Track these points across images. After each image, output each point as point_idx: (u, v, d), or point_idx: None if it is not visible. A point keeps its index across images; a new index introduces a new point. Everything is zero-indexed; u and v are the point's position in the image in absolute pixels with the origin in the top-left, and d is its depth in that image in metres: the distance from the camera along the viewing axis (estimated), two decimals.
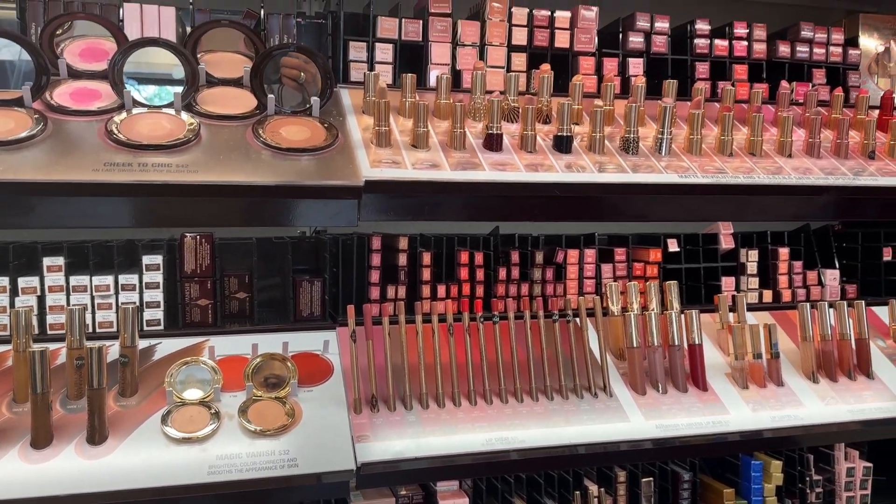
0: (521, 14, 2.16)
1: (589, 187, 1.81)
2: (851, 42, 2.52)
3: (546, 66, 2.04)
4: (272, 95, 1.76)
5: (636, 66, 2.25)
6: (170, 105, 1.71)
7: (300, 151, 1.66)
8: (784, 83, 2.23)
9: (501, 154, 1.85)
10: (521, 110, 1.89)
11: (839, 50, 2.45)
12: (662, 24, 2.27)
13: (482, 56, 2.13)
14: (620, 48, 2.27)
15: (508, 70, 2.14)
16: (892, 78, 2.54)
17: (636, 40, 2.25)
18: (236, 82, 1.86)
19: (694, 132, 1.96)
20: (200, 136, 1.66)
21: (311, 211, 1.61)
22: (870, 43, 2.55)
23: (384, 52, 2.08)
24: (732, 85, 2.28)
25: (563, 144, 1.89)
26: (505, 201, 1.79)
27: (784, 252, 2.49)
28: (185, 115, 1.69)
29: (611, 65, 2.23)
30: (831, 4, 2.83)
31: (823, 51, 2.43)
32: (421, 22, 2.09)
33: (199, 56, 1.88)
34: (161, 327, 2.00)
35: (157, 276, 1.99)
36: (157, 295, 2.00)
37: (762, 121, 2.01)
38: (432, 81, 2.06)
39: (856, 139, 2.15)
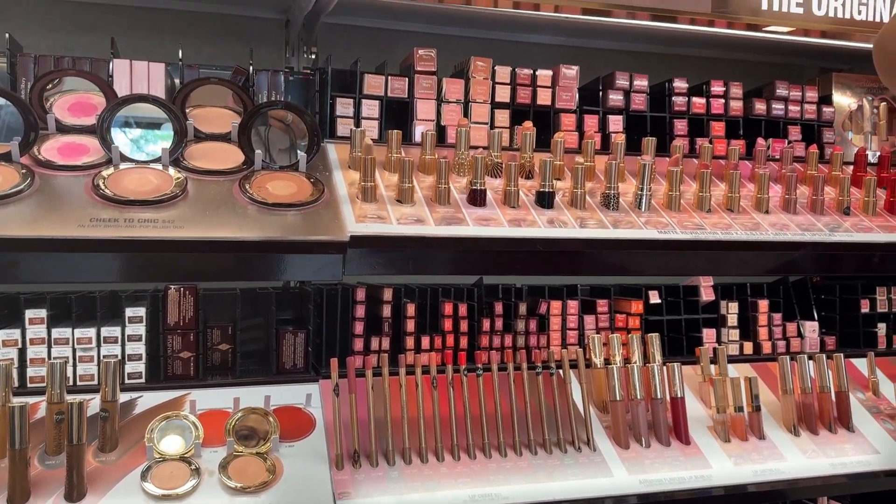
0: (504, 72, 2.21)
1: (570, 242, 1.83)
2: (825, 100, 2.60)
3: (528, 124, 2.09)
4: (259, 151, 1.79)
5: (616, 122, 2.31)
6: (157, 160, 1.73)
7: (286, 206, 1.68)
8: (760, 140, 2.29)
9: (485, 209, 1.88)
10: (504, 166, 1.93)
11: (813, 107, 2.52)
12: (641, 83, 2.34)
13: (466, 112, 2.18)
14: (601, 105, 2.33)
15: (492, 126, 2.19)
16: (865, 134, 2.61)
17: (616, 98, 2.31)
18: (224, 137, 1.89)
19: (673, 189, 2.01)
20: (187, 191, 1.67)
21: (295, 265, 1.63)
22: (843, 100, 2.63)
23: (370, 108, 2.12)
24: (710, 142, 2.34)
25: (545, 200, 1.92)
26: (488, 256, 1.81)
27: (763, 304, 2.52)
28: (172, 171, 1.71)
29: (591, 121, 2.28)
30: (805, 63, 2.93)
31: (798, 108, 2.50)
32: (407, 79, 2.14)
33: (187, 111, 1.91)
34: (143, 380, 1.99)
35: (140, 329, 1.99)
36: (140, 347, 1.99)
37: (739, 178, 2.06)
38: (418, 137, 2.10)
39: (831, 195, 2.20)
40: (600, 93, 2.33)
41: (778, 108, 2.48)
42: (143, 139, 1.78)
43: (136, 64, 1.91)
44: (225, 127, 1.89)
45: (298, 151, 1.84)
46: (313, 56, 2.39)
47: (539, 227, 1.84)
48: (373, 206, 1.78)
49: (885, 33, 1.02)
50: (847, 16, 2.12)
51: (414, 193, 1.84)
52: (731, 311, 2.50)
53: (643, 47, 2.65)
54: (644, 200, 1.98)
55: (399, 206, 1.81)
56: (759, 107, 2.46)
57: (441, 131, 2.17)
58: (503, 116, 2.22)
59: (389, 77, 2.13)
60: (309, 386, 2.02)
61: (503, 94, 2.21)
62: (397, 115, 2.17)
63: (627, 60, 2.63)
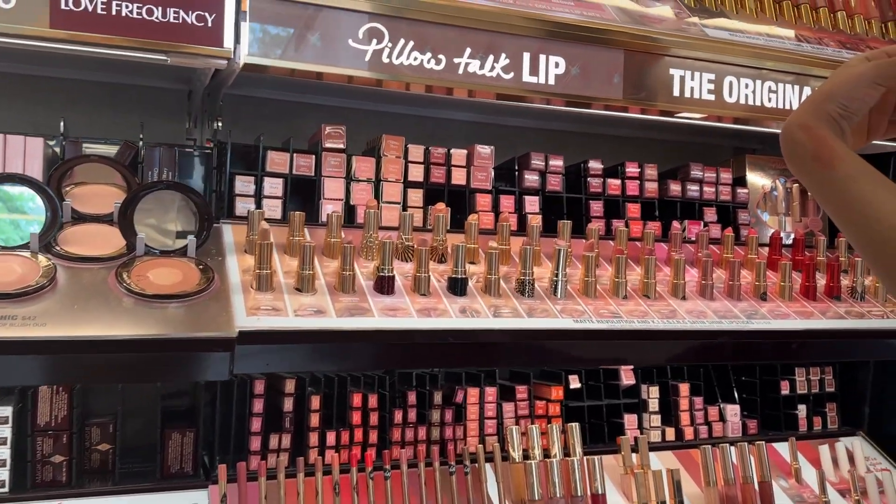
0: (417, 151, 2.13)
1: (483, 334, 1.73)
2: (739, 181, 2.61)
3: (441, 206, 2.00)
4: (142, 235, 1.63)
5: (532, 203, 2.25)
6: (25, 246, 1.56)
7: (168, 298, 1.52)
8: (675, 224, 2.27)
9: (393, 297, 1.76)
10: (415, 250, 1.82)
11: (728, 189, 2.53)
12: (557, 163, 2.29)
13: (377, 192, 2.08)
14: (516, 185, 2.27)
15: (404, 207, 2.09)
16: (780, 216, 2.63)
17: (532, 178, 2.26)
18: (107, 219, 1.73)
19: (588, 274, 1.94)
20: (56, 281, 1.50)
21: (174, 366, 1.47)
22: (757, 181, 2.65)
23: (273, 187, 1.99)
24: (626, 225, 2.30)
25: (457, 287, 1.82)
26: (395, 349, 1.68)
27: (685, 388, 2.46)
28: (41, 258, 1.54)
29: (507, 202, 2.22)
30: (719, 143, 2.97)
31: (713, 189, 2.50)
32: (314, 156, 2.03)
33: (67, 189, 1.75)
34: (6, 489, 1.76)
35: (6, 431, 1.76)
36: (4, 452, 1.76)
37: (655, 263, 2.01)
38: (324, 217, 1.98)
39: (748, 279, 2.17)
40: (516, 172, 2.27)
41: (693, 189, 2.47)
42: (12, 223, 1.60)
43: (10, 138, 1.74)
44: (108, 207, 1.74)
45: (189, 235, 1.69)
46: (217, 128, 2.26)
47: (450, 316, 1.73)
48: (268, 295, 1.64)
49: (791, 123, 0.98)
50: (758, 103, 2.13)
51: (315, 281, 1.71)
52: (653, 395, 2.42)
53: (558, 125, 2.63)
54: (560, 287, 1.90)
55: (298, 295, 1.67)
56: (675, 188, 2.45)
57: (350, 211, 2.06)
58: (416, 196, 2.13)
59: (295, 154, 2.02)
60: (197, 494, 1.82)
61: (416, 174, 2.13)
62: (303, 193, 2.05)
63: (543, 139, 2.59)
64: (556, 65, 1.93)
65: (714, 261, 2.18)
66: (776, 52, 2.19)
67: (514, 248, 2.04)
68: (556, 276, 1.91)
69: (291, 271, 1.74)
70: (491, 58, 1.87)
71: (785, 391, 2.59)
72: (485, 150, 2.21)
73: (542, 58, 1.91)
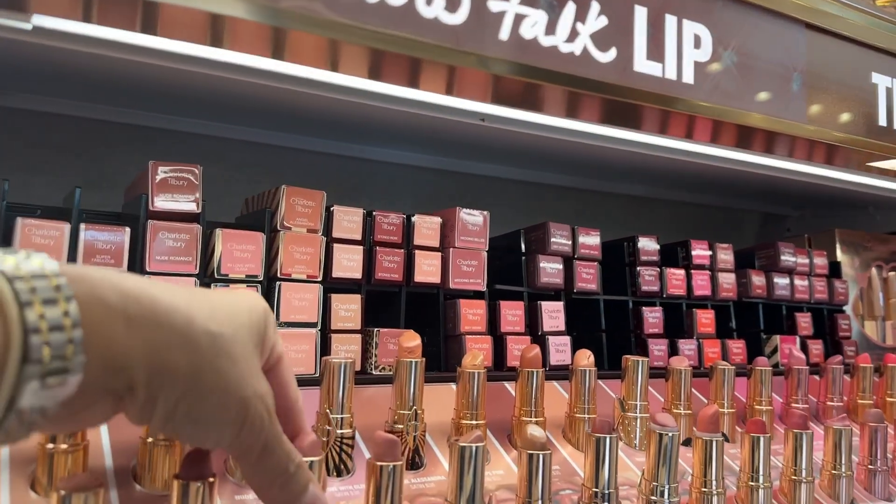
0: (349, 216, 1.07)
1: None
2: (834, 269, 1.72)
3: (409, 337, 0.94)
4: None
5: (553, 313, 1.23)
6: None
7: None
8: (837, 357, 1.31)
9: None
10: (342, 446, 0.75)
11: (823, 283, 1.62)
12: (590, 240, 1.30)
13: (270, 300, 0.99)
14: (526, 280, 1.24)
15: (325, 342, 1.02)
16: (877, 320, 1.76)
17: (551, 268, 1.24)
18: None
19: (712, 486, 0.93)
20: None
21: None
22: (847, 269, 1.77)
23: None
24: (699, 348, 1.33)
25: None
26: None
27: None
28: None
29: (512, 310, 1.19)
30: (740, 205, 2.10)
31: (806, 283, 1.59)
32: (126, 230, 0.93)
33: None
34: None
35: None
36: None
37: (809, 441, 1.04)
38: None
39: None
40: (523, 258, 1.26)
41: (782, 283, 1.55)
42: None
43: None
44: None
45: None
46: None
47: None
48: None
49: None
50: None
51: None
52: None
53: (519, 173, 1.65)
54: None
55: None
56: (757, 282, 1.52)
57: None
58: (348, 310, 1.06)
59: (86, 224, 0.90)
60: None
61: (348, 261, 1.06)
62: None
63: (500, 195, 1.61)
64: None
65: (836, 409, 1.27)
66: None
67: (554, 416, 1.01)
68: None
69: None
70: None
71: None
72: (472, 216, 1.18)
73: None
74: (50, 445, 0.73)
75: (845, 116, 1.13)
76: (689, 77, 0.94)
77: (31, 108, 1.26)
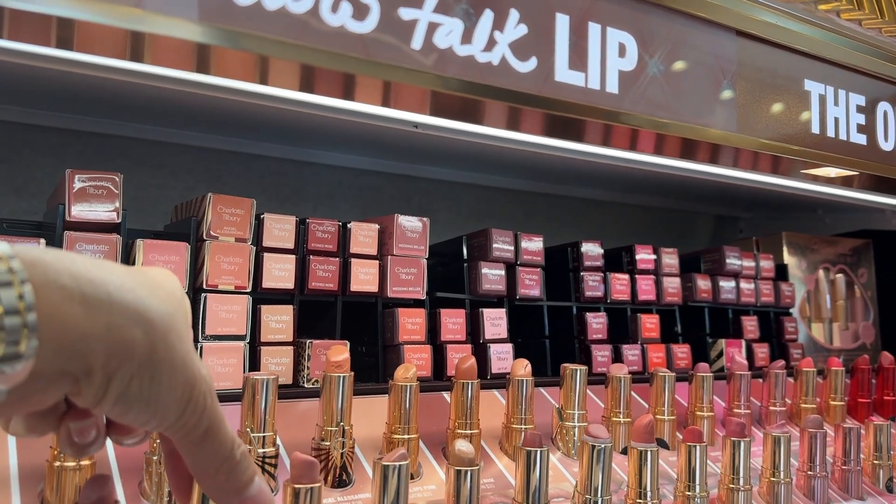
0: (281, 224, 1.04)
1: None
2: (780, 272, 1.73)
3: (338, 351, 0.92)
4: None
5: (495, 320, 1.21)
6: None
7: None
8: (778, 362, 1.32)
9: None
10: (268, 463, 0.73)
11: (769, 286, 1.63)
12: (532, 245, 1.28)
13: (197, 318, 0.96)
14: (468, 288, 1.22)
15: (254, 358, 0.99)
16: (824, 322, 1.77)
17: (493, 274, 1.22)
18: None
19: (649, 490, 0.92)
20: None
21: None
22: (796, 271, 1.79)
23: None
24: (642, 353, 1.33)
25: None
26: None
27: None
28: None
29: (452, 319, 1.17)
30: (694, 207, 2.11)
31: (752, 286, 1.60)
32: (40, 243, 0.89)
33: None
34: None
35: None
36: None
37: (746, 449, 1.04)
38: None
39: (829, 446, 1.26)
40: (465, 265, 1.24)
41: (728, 287, 1.55)
42: None
43: None
44: None
45: None
46: None
47: None
48: None
49: None
50: None
51: None
52: None
53: (457, 175, 1.64)
54: None
55: None
56: (703, 285, 1.52)
57: None
58: (279, 322, 1.03)
59: None
60: None
61: (279, 271, 1.03)
62: None
63: (446, 196, 1.59)
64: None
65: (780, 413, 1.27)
66: None
67: (488, 425, 1.00)
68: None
69: None
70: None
71: None
72: (411, 223, 1.16)
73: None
74: (57, 463, 0.72)
75: (777, 124, 1.13)
76: (613, 86, 0.93)
77: None
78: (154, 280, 0.52)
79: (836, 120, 1.21)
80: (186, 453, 0.53)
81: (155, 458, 0.77)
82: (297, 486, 0.72)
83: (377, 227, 1.15)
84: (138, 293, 0.48)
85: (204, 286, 0.98)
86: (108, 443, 0.78)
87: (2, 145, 1.28)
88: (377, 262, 1.14)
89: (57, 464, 0.74)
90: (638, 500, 0.95)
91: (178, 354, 0.49)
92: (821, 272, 1.79)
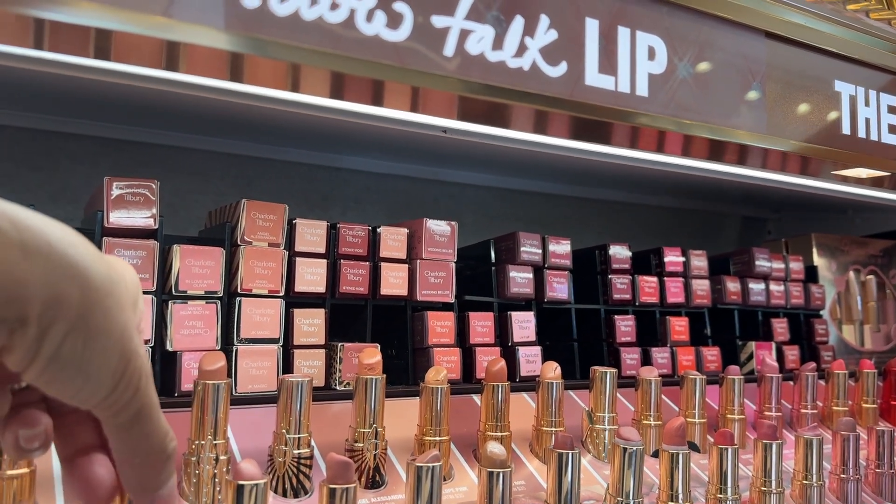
0: (313, 229, 1.06)
1: None
2: (810, 273, 1.71)
3: (371, 353, 0.93)
4: None
5: (523, 323, 1.22)
6: None
7: None
8: (810, 364, 1.31)
9: None
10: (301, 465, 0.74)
11: (799, 288, 1.62)
12: (559, 248, 1.29)
13: (229, 322, 0.98)
14: (496, 291, 1.23)
15: (287, 358, 1.00)
16: (855, 324, 1.75)
17: (521, 277, 1.23)
18: None
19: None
20: None
21: None
22: (826, 273, 1.77)
23: None
24: (672, 356, 1.32)
25: None
26: None
27: None
28: None
29: (481, 322, 1.18)
30: (720, 209, 2.09)
31: (782, 289, 1.58)
32: None
33: None
34: None
35: None
36: None
37: (778, 452, 1.03)
38: None
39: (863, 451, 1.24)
40: (493, 269, 1.25)
41: (757, 289, 1.54)
42: None
43: None
44: None
45: None
46: None
47: None
48: None
49: None
50: None
51: None
52: None
53: (469, 177, 1.65)
54: None
55: None
56: (732, 288, 1.51)
57: (167, 368, 0.95)
58: (312, 325, 1.05)
59: None
60: None
61: (311, 275, 1.05)
62: None
63: (459, 201, 1.60)
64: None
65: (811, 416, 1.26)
66: None
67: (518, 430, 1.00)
68: None
69: None
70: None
71: None
72: (439, 227, 1.17)
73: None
74: None
75: (807, 125, 1.12)
76: (643, 90, 0.93)
77: None
78: (105, 256, 0.50)
79: (868, 120, 1.21)
80: (114, 437, 0.50)
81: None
82: (332, 486, 0.73)
83: (406, 231, 1.17)
84: (80, 250, 0.46)
85: (239, 290, 1.00)
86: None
87: (39, 153, 1.31)
88: (406, 265, 1.15)
89: None
90: (669, 503, 0.95)
91: (116, 324, 0.47)
92: (851, 273, 1.77)
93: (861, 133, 1.19)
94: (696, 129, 0.99)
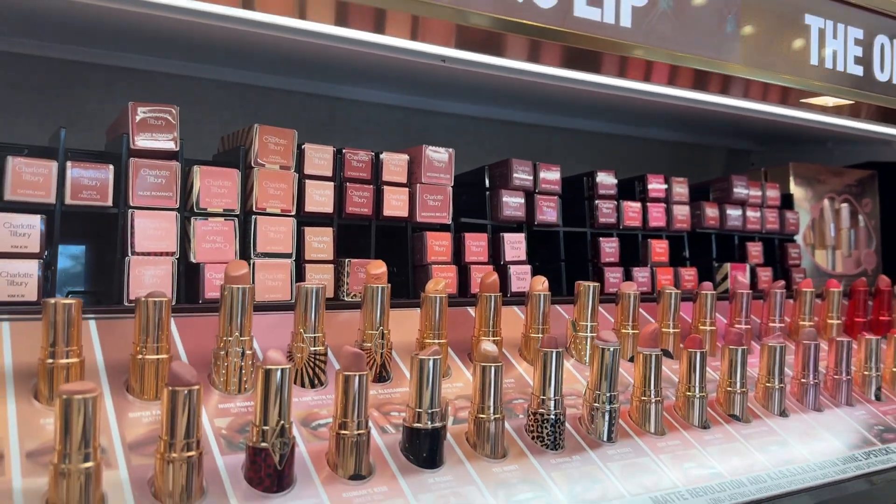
0: (320, 154, 1.15)
1: None
2: (786, 201, 1.81)
3: (377, 266, 1.03)
4: None
5: (515, 244, 1.32)
6: None
7: None
8: (779, 282, 1.42)
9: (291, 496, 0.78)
10: (313, 361, 0.85)
11: (775, 213, 1.72)
12: (550, 175, 1.37)
13: (245, 238, 1.07)
14: (490, 214, 1.33)
15: (299, 269, 1.10)
16: (827, 249, 1.86)
17: (513, 202, 1.33)
18: None
19: (647, 391, 1.04)
20: None
21: None
22: (803, 201, 1.87)
23: (25, 228, 0.94)
24: (651, 274, 1.42)
25: (425, 448, 0.87)
26: None
27: None
28: None
29: (475, 243, 1.27)
30: (704, 140, 2.17)
31: (758, 214, 1.68)
32: (110, 168, 1.00)
33: None
34: None
35: None
36: None
37: (743, 357, 1.14)
38: (134, 294, 0.96)
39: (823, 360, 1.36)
40: (487, 193, 1.34)
41: (734, 214, 1.64)
42: None
43: None
44: None
45: None
46: None
47: None
48: None
49: None
50: None
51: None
52: None
53: (474, 110, 1.72)
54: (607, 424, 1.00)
55: None
56: (711, 213, 1.61)
57: (191, 278, 1.04)
58: (321, 241, 1.14)
59: (71, 163, 0.97)
60: None
61: (319, 198, 1.14)
62: (96, 239, 1.02)
63: (457, 129, 1.68)
64: None
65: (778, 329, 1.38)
66: None
67: (507, 332, 1.11)
68: (604, 400, 1.00)
69: None
70: None
71: None
72: (438, 153, 1.26)
73: None
74: (49, 360, 0.82)
75: (777, 56, 1.20)
76: (626, 21, 1.01)
77: (10, 51, 1.30)
78: None
79: (835, 52, 1.29)
80: None
81: (139, 357, 0.86)
82: (346, 373, 0.84)
83: (407, 157, 1.25)
84: None
85: (254, 209, 1.09)
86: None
87: (56, 81, 1.38)
88: (407, 189, 1.24)
89: (49, 361, 0.80)
90: (643, 398, 1.07)
91: None
92: (825, 201, 1.87)
93: (829, 64, 1.27)
94: (675, 59, 1.06)
